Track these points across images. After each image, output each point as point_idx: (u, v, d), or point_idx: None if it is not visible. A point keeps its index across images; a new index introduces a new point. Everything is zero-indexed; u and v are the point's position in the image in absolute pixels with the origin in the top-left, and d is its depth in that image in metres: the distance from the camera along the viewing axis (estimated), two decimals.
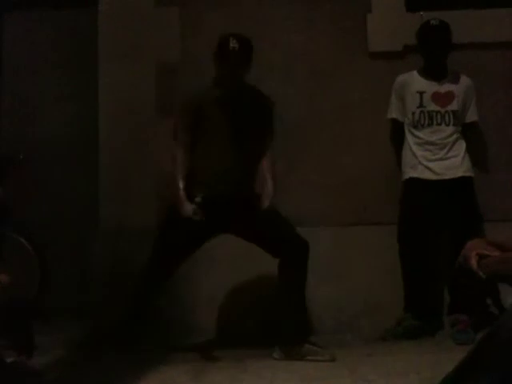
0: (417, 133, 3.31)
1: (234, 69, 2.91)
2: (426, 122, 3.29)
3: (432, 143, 3.28)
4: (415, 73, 3.36)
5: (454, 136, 3.30)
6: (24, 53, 3.82)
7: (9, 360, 2.43)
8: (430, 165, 3.26)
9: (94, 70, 3.58)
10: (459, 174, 3.26)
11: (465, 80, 3.36)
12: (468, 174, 3.29)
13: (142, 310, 3.04)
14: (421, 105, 3.29)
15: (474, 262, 1.50)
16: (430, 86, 3.31)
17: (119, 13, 3.60)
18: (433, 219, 3.25)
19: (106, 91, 3.57)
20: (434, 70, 3.33)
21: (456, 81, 3.33)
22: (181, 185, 2.88)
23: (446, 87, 3.32)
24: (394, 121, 3.40)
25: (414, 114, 3.30)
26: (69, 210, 3.64)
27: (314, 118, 3.57)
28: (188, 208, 2.83)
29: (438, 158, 3.28)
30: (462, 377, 1.57)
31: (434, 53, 3.27)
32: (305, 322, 2.99)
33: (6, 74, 3.79)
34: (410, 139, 3.32)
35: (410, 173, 3.30)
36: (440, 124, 3.28)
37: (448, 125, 3.29)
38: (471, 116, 3.36)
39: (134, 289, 3.05)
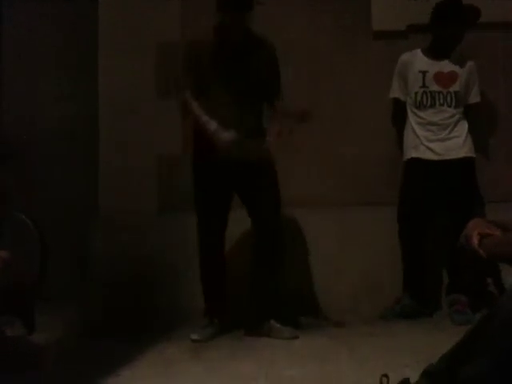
0: (419, 113, 3.29)
1: (236, 16, 2.86)
2: (429, 103, 3.27)
3: (434, 124, 3.27)
4: (419, 51, 3.34)
5: (456, 117, 3.29)
6: (24, 34, 3.77)
7: (11, 335, 2.45)
8: (432, 145, 3.25)
9: (94, 55, 3.55)
10: (461, 154, 3.25)
11: (468, 61, 3.33)
12: (469, 154, 3.28)
13: (218, 289, 3.03)
14: (423, 85, 3.27)
15: (475, 242, 1.51)
16: (432, 66, 3.29)
17: None
18: (433, 200, 3.25)
19: (106, 77, 3.55)
20: (440, 50, 3.30)
21: (459, 61, 3.31)
22: (208, 118, 2.85)
23: (449, 67, 3.30)
24: (396, 100, 3.39)
25: (416, 94, 3.29)
26: (69, 197, 3.63)
27: (315, 99, 3.54)
28: (226, 134, 2.81)
29: (439, 138, 3.26)
30: (460, 357, 1.58)
31: (449, 32, 3.22)
32: (271, 301, 2.98)
33: (7, 58, 3.74)
34: (412, 119, 3.31)
35: (411, 153, 3.30)
36: (442, 105, 3.27)
37: (450, 106, 3.27)
38: (474, 97, 3.35)
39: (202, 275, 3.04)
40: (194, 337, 2.90)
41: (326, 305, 3.37)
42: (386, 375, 1.66)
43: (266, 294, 2.96)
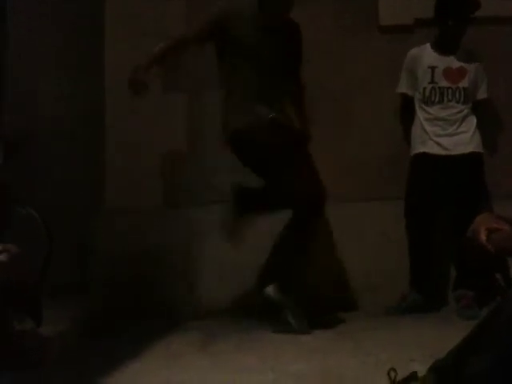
0: (427, 108, 3.28)
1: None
2: (437, 99, 3.26)
3: (442, 119, 3.26)
4: (428, 46, 3.32)
5: (465, 112, 3.28)
6: (24, 34, 3.77)
7: (19, 328, 2.46)
8: (440, 140, 3.25)
9: (95, 54, 3.56)
10: (469, 149, 3.25)
11: (477, 56, 3.32)
12: (477, 150, 3.27)
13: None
14: (432, 80, 3.27)
15: (483, 237, 1.50)
16: (441, 61, 3.28)
17: None
18: (440, 194, 3.25)
19: (112, 66, 3.54)
20: (448, 44, 3.29)
21: (468, 57, 3.30)
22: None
23: (458, 63, 3.29)
24: (404, 96, 3.38)
25: (425, 89, 3.28)
26: (73, 188, 3.63)
27: (321, 94, 3.53)
28: (266, 111, 2.80)
29: (447, 133, 3.26)
30: (466, 352, 1.58)
31: (451, 25, 3.22)
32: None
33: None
34: (420, 114, 3.30)
35: (419, 148, 3.29)
36: (451, 101, 3.26)
37: (458, 102, 3.26)
38: (482, 93, 3.34)
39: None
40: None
41: (331, 299, 3.37)
42: (393, 369, 1.66)
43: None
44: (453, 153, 3.24)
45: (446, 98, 3.26)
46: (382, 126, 3.50)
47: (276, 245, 2.97)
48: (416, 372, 1.66)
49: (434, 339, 2.54)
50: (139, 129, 3.53)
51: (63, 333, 2.85)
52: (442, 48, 3.30)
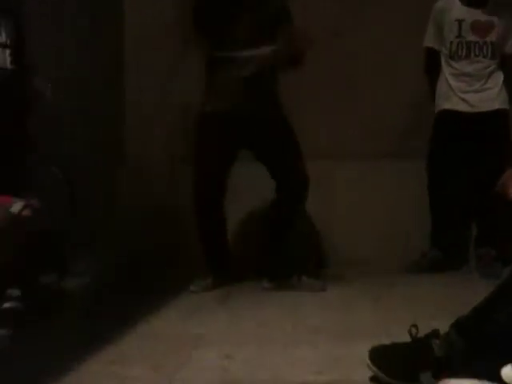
0: (453, 63, 3.21)
1: None
2: (464, 53, 3.18)
3: (468, 74, 3.19)
4: None
5: (492, 68, 3.20)
6: None
7: (44, 281, 2.50)
8: (466, 96, 3.18)
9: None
10: (495, 106, 3.18)
11: (506, 9, 3.21)
12: (503, 106, 3.20)
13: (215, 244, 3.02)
14: (459, 34, 3.18)
15: (511, 191, 1.48)
16: (469, 14, 3.18)
17: None
18: (465, 152, 3.20)
19: (132, 27, 3.50)
20: None
21: (497, 9, 3.19)
22: None
23: (486, 16, 3.19)
24: (430, 50, 3.29)
25: (451, 43, 3.19)
26: (95, 147, 3.63)
27: (344, 49, 3.47)
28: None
29: (473, 89, 3.19)
30: (489, 310, 1.57)
31: None
32: (293, 256, 2.98)
33: None
34: (445, 70, 3.23)
35: (443, 104, 3.23)
36: (478, 55, 3.18)
37: (486, 56, 3.18)
38: (510, 47, 3.24)
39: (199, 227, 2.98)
40: (192, 288, 2.89)
41: (351, 256, 3.37)
42: (415, 325, 1.66)
43: (290, 247, 2.95)
44: (478, 110, 3.17)
45: (472, 53, 3.18)
46: (406, 80, 3.42)
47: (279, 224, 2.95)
48: (438, 329, 1.65)
49: (455, 297, 2.54)
50: (162, 80, 3.48)
51: (86, 286, 2.91)
52: (470, 0, 3.19)
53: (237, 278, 3.03)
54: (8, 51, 2.53)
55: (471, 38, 3.18)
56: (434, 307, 2.44)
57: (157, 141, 3.54)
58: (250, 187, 3.26)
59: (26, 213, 2.33)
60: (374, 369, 1.65)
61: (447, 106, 3.22)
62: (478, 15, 3.19)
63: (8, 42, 2.54)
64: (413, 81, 3.40)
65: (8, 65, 2.52)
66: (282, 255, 2.95)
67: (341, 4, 3.47)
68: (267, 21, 2.84)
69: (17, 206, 2.33)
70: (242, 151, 2.93)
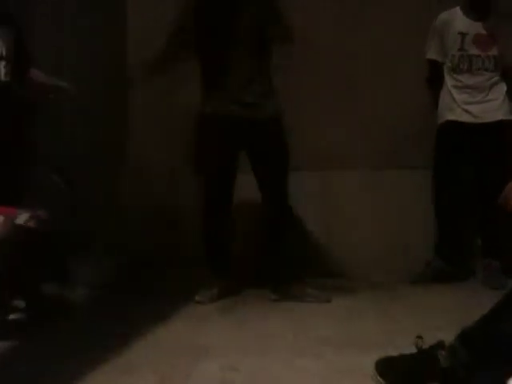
0: (456, 76, 3.22)
1: None
2: (466, 67, 3.19)
3: (471, 87, 3.19)
4: (458, 10, 3.23)
5: (494, 79, 3.21)
6: None
7: (48, 292, 2.50)
8: (469, 108, 3.19)
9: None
10: (498, 117, 3.18)
11: (508, 20, 3.22)
12: (507, 117, 3.20)
13: (217, 247, 3.01)
14: (462, 48, 3.18)
15: None
16: (472, 27, 3.19)
17: None
18: (469, 162, 3.20)
19: (135, 30, 3.52)
20: (478, 8, 3.19)
21: (500, 22, 3.20)
22: None
23: (489, 28, 3.19)
24: (433, 62, 3.30)
25: (454, 56, 3.20)
26: (98, 147, 3.64)
27: (345, 60, 3.47)
28: None
29: (476, 100, 3.19)
30: (494, 321, 1.57)
31: None
32: (291, 267, 2.96)
33: None
34: (448, 81, 3.24)
35: (447, 115, 3.23)
36: (480, 69, 3.19)
37: (487, 70, 3.19)
38: None
39: (203, 231, 2.99)
40: (198, 298, 2.88)
41: (356, 267, 3.37)
42: (420, 337, 1.66)
43: (279, 258, 2.95)
44: (482, 120, 3.18)
45: (474, 66, 3.19)
46: (411, 92, 3.42)
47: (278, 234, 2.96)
48: (443, 341, 1.65)
49: (461, 307, 2.54)
50: (165, 82, 3.50)
51: (88, 293, 2.90)
52: (473, 12, 3.20)
53: (237, 278, 3.03)
54: (3, 63, 2.50)
55: (473, 51, 3.19)
56: (440, 318, 2.44)
57: (157, 141, 3.54)
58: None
59: (31, 224, 2.34)
60: (380, 380, 1.65)
61: (450, 117, 3.22)
62: (481, 28, 3.19)
63: (4, 53, 2.51)
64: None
65: (2, 77, 2.49)
66: (281, 256, 2.95)
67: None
68: (261, 21, 2.85)
69: (22, 217, 2.34)
70: (242, 153, 2.93)
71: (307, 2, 3.38)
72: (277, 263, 2.95)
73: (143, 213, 3.42)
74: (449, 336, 1.68)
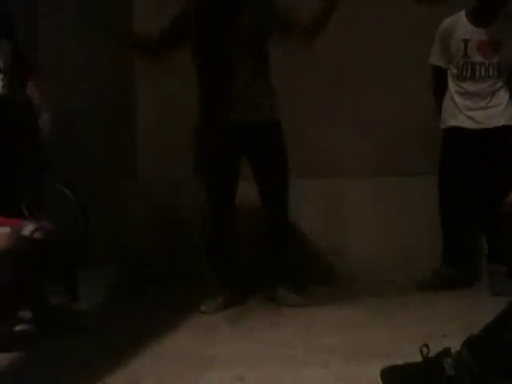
0: (459, 82, 3.21)
1: None
2: (469, 74, 3.18)
3: (473, 93, 3.19)
4: (463, 15, 3.21)
5: (497, 86, 3.20)
6: None
7: (55, 304, 2.51)
8: (472, 114, 3.18)
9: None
10: (501, 122, 3.17)
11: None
12: (510, 122, 3.19)
13: (221, 258, 3.01)
14: (465, 54, 3.18)
15: None
16: (476, 34, 3.17)
17: None
18: (473, 168, 3.20)
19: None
20: (484, 14, 3.17)
21: (505, 27, 3.18)
22: None
23: (493, 35, 3.17)
24: (437, 68, 3.30)
25: (457, 63, 3.20)
26: (107, 159, 3.66)
27: (349, 66, 3.48)
28: None
29: (479, 106, 3.19)
30: (500, 328, 1.57)
31: None
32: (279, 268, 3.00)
33: None
34: (452, 87, 3.23)
35: (450, 121, 3.23)
36: (483, 76, 3.18)
37: (491, 77, 3.18)
38: None
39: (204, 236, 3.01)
40: (203, 308, 2.87)
41: (362, 274, 3.36)
42: (426, 345, 1.65)
43: (275, 261, 2.97)
44: (484, 126, 3.17)
45: (477, 74, 3.18)
46: (416, 97, 3.42)
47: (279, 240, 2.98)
48: (449, 348, 1.65)
49: (467, 314, 2.53)
50: (173, 94, 3.50)
51: (97, 306, 2.91)
52: (478, 18, 3.19)
53: (242, 286, 3.03)
54: (1, 76, 2.51)
55: (477, 58, 3.17)
56: (446, 325, 2.43)
57: (169, 157, 3.54)
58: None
59: (37, 235, 2.35)
60: None
61: (454, 123, 3.22)
62: (485, 35, 3.18)
63: (1, 66, 2.52)
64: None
65: (0, 89, 2.50)
66: (282, 260, 2.96)
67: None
68: (261, 21, 2.85)
69: (28, 229, 2.35)
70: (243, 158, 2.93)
71: (307, 1, 3.39)
72: (278, 267, 2.96)
73: (156, 227, 3.42)
74: (455, 343, 1.67)
